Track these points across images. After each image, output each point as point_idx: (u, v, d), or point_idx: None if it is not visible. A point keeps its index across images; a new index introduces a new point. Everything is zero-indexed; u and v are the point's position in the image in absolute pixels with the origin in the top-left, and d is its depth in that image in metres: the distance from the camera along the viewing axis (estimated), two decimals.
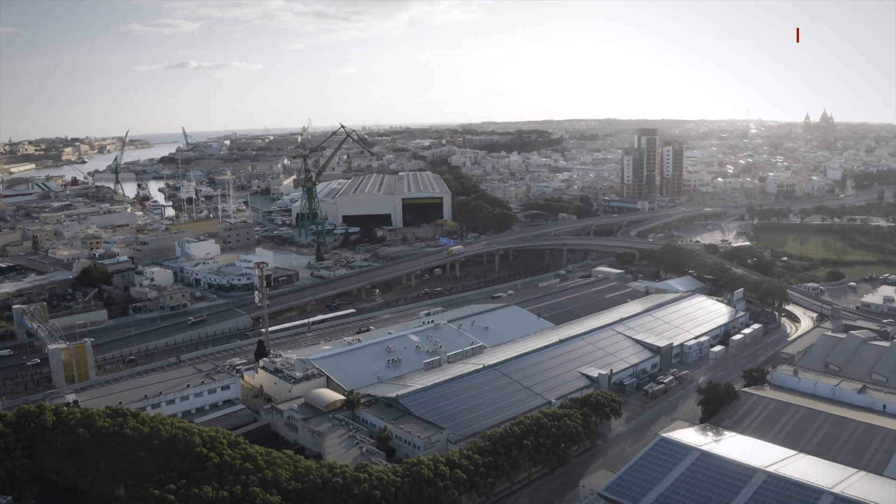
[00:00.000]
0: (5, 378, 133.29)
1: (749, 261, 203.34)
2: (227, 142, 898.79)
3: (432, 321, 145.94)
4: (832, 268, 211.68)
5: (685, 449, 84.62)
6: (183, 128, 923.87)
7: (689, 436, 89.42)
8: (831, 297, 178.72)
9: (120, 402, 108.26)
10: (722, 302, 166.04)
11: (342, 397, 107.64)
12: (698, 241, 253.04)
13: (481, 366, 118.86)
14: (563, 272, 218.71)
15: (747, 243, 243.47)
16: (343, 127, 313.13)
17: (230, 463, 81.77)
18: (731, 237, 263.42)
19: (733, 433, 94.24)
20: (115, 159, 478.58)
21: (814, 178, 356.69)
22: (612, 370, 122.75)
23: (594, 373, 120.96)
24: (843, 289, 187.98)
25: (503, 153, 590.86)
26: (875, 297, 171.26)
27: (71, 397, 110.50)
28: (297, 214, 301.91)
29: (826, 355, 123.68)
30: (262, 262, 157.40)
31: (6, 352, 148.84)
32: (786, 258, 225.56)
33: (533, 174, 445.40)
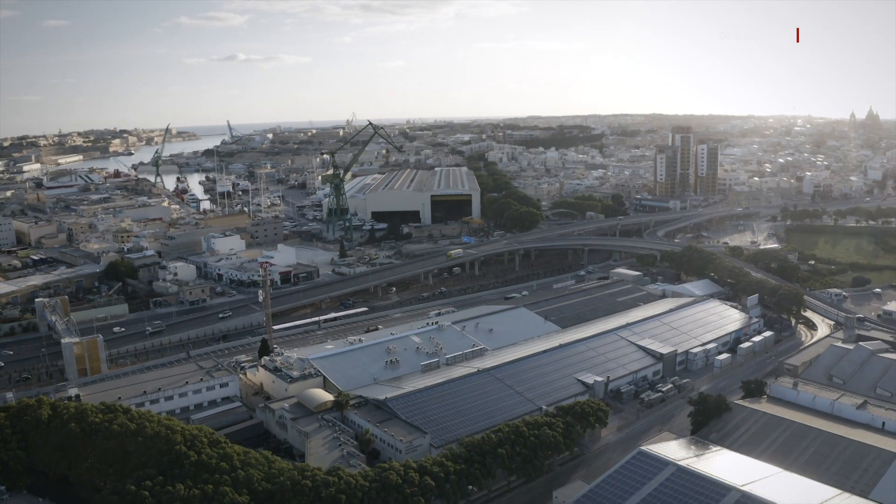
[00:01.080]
0: (22, 369, 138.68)
1: (773, 264, 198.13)
2: (270, 135, 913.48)
3: (436, 322, 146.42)
4: (861, 272, 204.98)
5: (661, 464, 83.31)
6: (228, 121, 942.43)
7: (668, 450, 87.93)
8: (853, 304, 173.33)
9: (119, 398, 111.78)
10: (736, 307, 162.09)
11: (332, 398, 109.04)
12: (726, 243, 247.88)
13: (475, 370, 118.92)
14: (582, 273, 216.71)
15: (775, 245, 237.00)
16: (371, 123, 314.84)
17: (206, 462, 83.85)
18: (761, 238, 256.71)
19: (718, 448, 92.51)
20: (156, 152, 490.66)
21: (852, 178, 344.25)
22: (608, 377, 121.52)
23: (590, 379, 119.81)
24: (867, 295, 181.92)
25: (541, 149, 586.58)
26: None
27: (73, 391, 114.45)
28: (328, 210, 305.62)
29: (831, 367, 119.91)
30: (266, 262, 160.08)
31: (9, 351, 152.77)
32: (813, 261, 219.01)
33: (568, 171, 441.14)
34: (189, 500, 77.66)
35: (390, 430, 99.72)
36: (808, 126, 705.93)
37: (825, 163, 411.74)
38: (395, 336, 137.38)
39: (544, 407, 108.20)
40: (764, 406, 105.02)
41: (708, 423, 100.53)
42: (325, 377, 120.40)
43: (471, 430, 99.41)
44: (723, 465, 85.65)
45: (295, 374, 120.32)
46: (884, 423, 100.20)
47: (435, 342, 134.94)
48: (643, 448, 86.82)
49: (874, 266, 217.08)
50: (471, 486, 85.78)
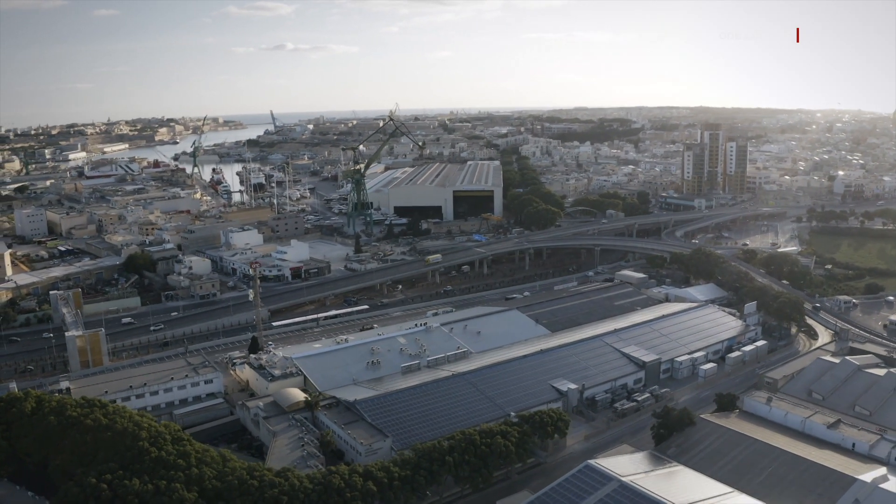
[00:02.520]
0: (29, 360, 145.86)
1: (785, 268, 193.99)
2: (311, 126, 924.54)
3: (425, 323, 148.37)
4: (879, 278, 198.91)
5: (605, 479, 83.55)
6: (271, 111, 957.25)
7: (617, 464, 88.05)
8: (861, 313, 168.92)
9: (106, 392, 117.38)
10: (734, 314, 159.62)
11: (304, 398, 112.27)
12: (745, 244, 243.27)
13: (450, 373, 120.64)
14: (590, 273, 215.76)
15: (793, 248, 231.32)
16: (391, 119, 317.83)
17: (165, 458, 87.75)
18: (782, 240, 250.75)
19: (673, 464, 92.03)
20: (194, 143, 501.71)
21: (885, 178, 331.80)
22: (583, 385, 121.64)
23: (564, 386, 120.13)
24: (878, 303, 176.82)
25: (576, 143, 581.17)
26: None
27: (64, 384, 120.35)
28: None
29: (812, 382, 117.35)
30: (257, 262, 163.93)
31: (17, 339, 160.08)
32: (830, 266, 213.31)
33: (597, 167, 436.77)
34: (142, 495, 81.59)
35: (354, 433, 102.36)
36: (854, 122, 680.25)
37: (861, 161, 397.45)
38: (382, 337, 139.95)
39: (512, 413, 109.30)
40: (731, 421, 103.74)
41: (670, 437, 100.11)
42: (305, 377, 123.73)
43: (434, 434, 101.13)
44: (671, 483, 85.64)
45: (277, 372, 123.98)
46: (853, 445, 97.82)
47: (420, 344, 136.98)
48: (590, 462, 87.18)
49: (895, 272, 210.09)
50: (406, 493, 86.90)
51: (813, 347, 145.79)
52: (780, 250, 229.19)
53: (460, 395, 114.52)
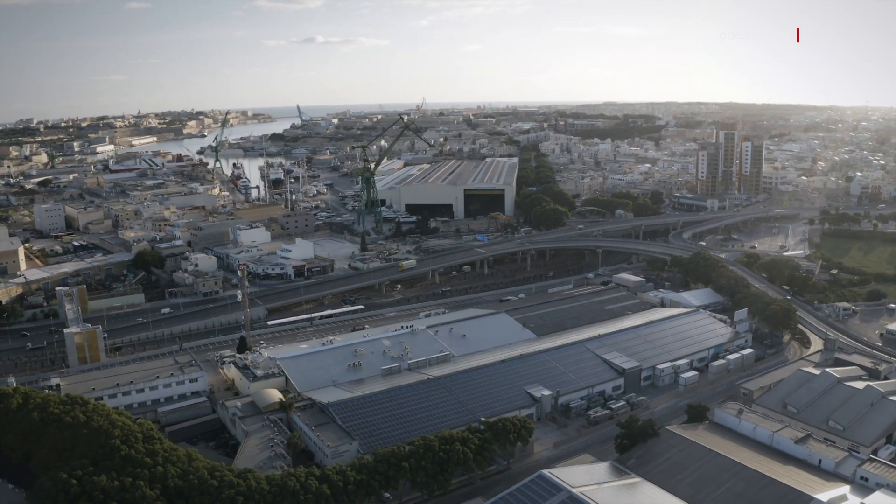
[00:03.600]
0: (32, 356, 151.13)
1: (786, 273, 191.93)
2: (335, 120, 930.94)
3: (411, 325, 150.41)
4: (885, 285, 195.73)
5: (555, 489, 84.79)
6: (297, 105, 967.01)
7: (571, 475, 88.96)
8: (860, 321, 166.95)
9: (93, 389, 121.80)
10: (725, 321, 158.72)
11: (279, 399, 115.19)
12: (753, 247, 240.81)
13: (426, 377, 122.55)
14: (590, 275, 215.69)
15: (800, 252, 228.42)
16: (402, 118, 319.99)
17: (134, 456, 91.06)
18: (792, 243, 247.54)
19: (631, 476, 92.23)
20: (216, 137, 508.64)
21: None
22: (558, 391, 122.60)
23: (539, 392, 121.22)
24: (879, 310, 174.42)
25: (596, 140, 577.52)
26: None
27: (55, 381, 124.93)
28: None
29: (788, 394, 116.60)
30: (244, 264, 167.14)
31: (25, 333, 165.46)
32: (836, 271, 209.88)
33: (615, 165, 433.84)
34: (108, 491, 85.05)
35: (323, 435, 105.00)
36: (882, 120, 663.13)
37: (882, 162, 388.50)
38: (366, 339, 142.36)
39: (482, 419, 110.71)
40: (697, 434, 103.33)
41: (632, 448, 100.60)
42: (287, 378, 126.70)
43: (401, 438, 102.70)
44: (621, 495, 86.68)
45: (259, 372, 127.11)
46: (820, 461, 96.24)
47: (404, 346, 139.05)
48: (543, 472, 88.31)
49: None
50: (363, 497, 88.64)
51: (802, 356, 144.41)
52: (786, 254, 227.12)
53: (433, 400, 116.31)
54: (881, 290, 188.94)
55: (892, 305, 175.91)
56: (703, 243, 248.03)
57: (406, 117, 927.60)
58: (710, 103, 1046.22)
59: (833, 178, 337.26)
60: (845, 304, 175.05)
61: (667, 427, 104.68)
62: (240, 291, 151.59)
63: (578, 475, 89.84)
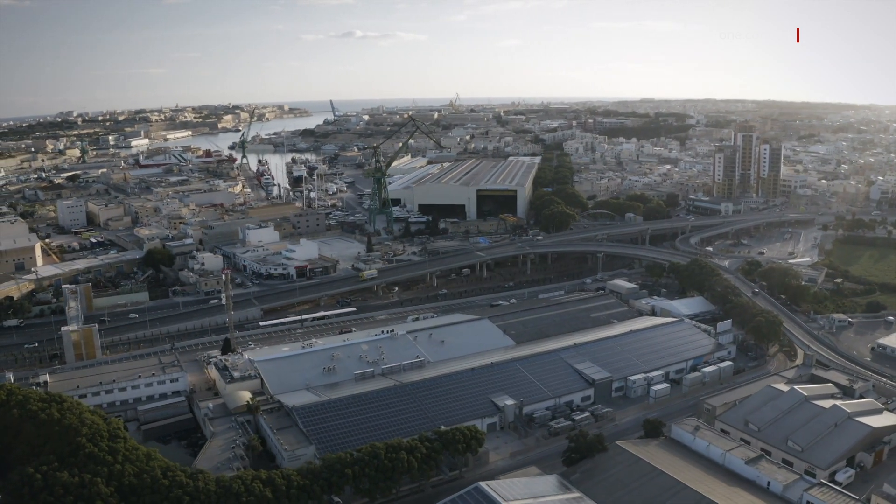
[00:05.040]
0: (28, 353, 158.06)
1: (786, 282, 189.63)
2: (366, 116, 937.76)
3: (392, 330, 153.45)
4: (889, 295, 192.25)
5: (488, 502, 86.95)
6: (331, 100, 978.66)
7: (508, 488, 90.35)
8: (854, 334, 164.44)
9: (77, 387, 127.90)
10: (710, 332, 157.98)
11: (247, 401, 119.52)
12: (762, 253, 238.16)
13: (394, 383, 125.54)
14: (588, 280, 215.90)
15: (806, 260, 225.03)
16: (412, 119, 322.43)
17: (97, 454, 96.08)
18: (802, 250, 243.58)
19: (571, 492, 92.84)
20: (242, 134, 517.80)
21: None
22: (522, 401, 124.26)
23: (503, 401, 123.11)
24: (876, 323, 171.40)
25: (621, 139, 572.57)
26: None
27: (43, 377, 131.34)
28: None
29: (751, 412, 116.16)
30: (227, 269, 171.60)
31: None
32: (840, 279, 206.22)
33: (635, 165, 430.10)
34: (68, 486, 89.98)
35: (283, 438, 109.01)
36: None
37: None
38: (346, 343, 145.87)
39: (443, 427, 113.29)
40: (647, 450, 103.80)
41: (580, 462, 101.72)
42: (262, 380, 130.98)
43: (358, 444, 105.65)
44: None
45: (236, 374, 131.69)
46: (769, 483, 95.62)
47: (381, 351, 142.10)
48: (480, 484, 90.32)
49: None
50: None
51: (777, 372, 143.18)
52: (791, 261, 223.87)
53: (396, 406, 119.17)
54: (884, 300, 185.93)
55: (891, 318, 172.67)
56: (710, 248, 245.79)
57: (439, 113, 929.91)
58: (747, 101, 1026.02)
59: (853, 182, 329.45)
60: (841, 316, 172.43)
61: (617, 442, 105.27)
62: (224, 294, 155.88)
63: (516, 489, 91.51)
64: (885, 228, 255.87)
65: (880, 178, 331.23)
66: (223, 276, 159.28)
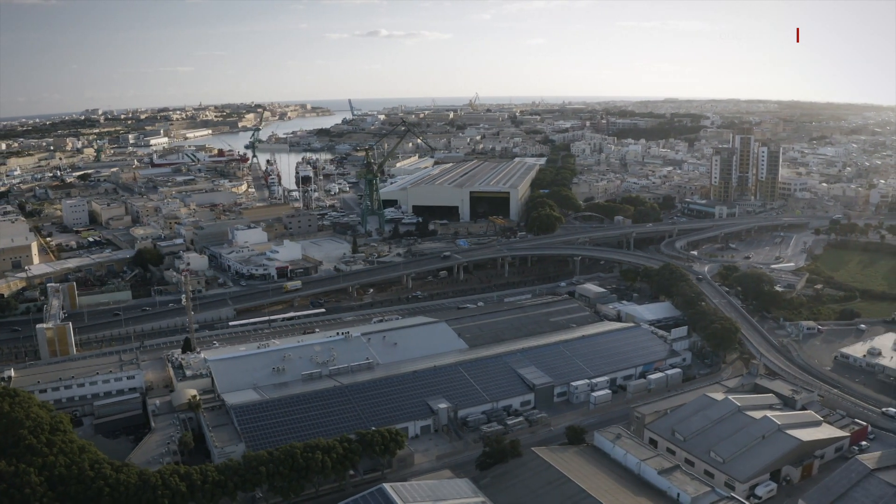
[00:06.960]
0: (5, 349, 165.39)
1: (758, 287, 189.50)
2: (382, 116, 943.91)
3: (347, 332, 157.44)
4: (872, 302, 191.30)
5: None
6: (349, 99, 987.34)
7: (411, 491, 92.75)
8: (822, 342, 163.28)
9: (38, 382, 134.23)
10: (666, 339, 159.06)
11: (188, 399, 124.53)
12: (748, 257, 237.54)
13: (334, 385, 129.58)
14: (563, 284, 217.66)
15: (789, 265, 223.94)
16: (404, 121, 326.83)
17: (35, 446, 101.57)
18: (790, 254, 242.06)
19: (475, 497, 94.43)
20: (253, 134, 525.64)
21: None
22: (457, 404, 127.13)
23: (437, 405, 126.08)
24: (847, 331, 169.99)
25: (629, 140, 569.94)
26: (863, 348, 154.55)
27: (8, 373, 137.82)
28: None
29: (679, 421, 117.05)
30: (186, 270, 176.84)
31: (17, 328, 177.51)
32: (820, 285, 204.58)
33: (637, 167, 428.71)
34: (3, 475, 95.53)
35: (217, 435, 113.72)
36: None
37: None
38: (299, 344, 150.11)
39: (373, 429, 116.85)
40: (563, 457, 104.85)
41: (494, 467, 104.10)
42: (213, 379, 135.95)
43: (287, 443, 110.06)
44: None
45: (189, 372, 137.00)
46: (678, 495, 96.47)
47: (332, 352, 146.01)
48: (384, 485, 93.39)
49: (893, 295, 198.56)
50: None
51: (720, 381, 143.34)
52: (774, 266, 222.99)
53: (333, 407, 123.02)
54: (862, 307, 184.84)
55: (863, 326, 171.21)
56: (695, 252, 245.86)
57: (456, 112, 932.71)
58: (770, 101, 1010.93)
59: (853, 186, 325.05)
60: (810, 323, 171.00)
61: (532, 448, 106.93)
62: (183, 295, 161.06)
63: (420, 491, 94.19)
64: (877, 233, 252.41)
65: (882, 181, 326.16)
66: (183, 278, 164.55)
